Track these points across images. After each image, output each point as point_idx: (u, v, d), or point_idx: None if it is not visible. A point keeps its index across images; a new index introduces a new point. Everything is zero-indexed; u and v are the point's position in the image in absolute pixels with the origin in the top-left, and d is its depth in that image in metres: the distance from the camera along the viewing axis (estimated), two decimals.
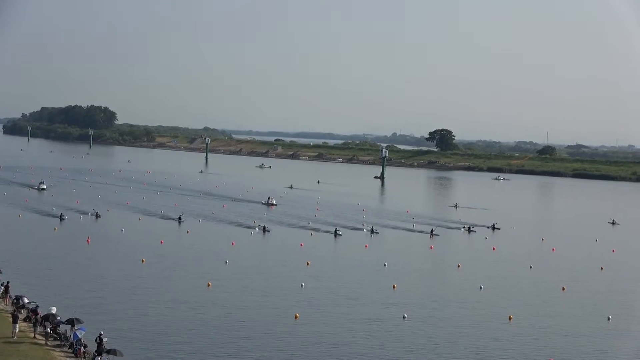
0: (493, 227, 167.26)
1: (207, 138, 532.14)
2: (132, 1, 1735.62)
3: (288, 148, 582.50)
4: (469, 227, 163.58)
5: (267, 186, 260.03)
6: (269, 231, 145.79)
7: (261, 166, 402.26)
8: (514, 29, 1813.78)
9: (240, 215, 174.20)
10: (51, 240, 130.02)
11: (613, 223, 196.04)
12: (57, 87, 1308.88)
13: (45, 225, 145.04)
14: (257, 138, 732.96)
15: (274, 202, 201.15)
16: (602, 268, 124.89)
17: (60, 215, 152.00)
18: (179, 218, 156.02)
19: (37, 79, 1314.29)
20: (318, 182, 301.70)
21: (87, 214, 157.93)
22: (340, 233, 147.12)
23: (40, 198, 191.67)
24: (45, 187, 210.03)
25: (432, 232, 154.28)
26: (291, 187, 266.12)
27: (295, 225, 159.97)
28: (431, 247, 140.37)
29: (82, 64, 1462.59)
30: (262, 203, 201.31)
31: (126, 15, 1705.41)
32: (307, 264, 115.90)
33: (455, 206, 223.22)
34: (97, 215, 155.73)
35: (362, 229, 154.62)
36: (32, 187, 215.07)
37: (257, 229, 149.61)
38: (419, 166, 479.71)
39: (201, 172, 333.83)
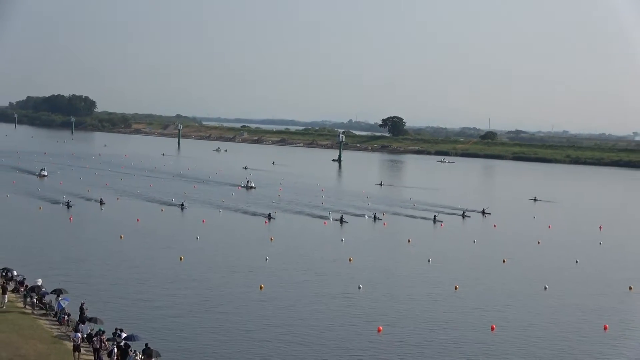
0: (483, 212, 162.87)
1: (179, 125, 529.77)
2: None
3: (253, 133, 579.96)
4: (464, 212, 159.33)
5: (230, 167, 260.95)
6: (274, 218, 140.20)
7: (217, 150, 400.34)
8: (461, 26, 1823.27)
9: (211, 195, 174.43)
10: (36, 218, 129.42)
11: (535, 200, 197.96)
12: (41, 78, 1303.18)
13: (32, 205, 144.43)
14: (225, 124, 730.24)
15: (253, 184, 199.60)
16: (539, 242, 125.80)
17: (68, 202, 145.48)
18: (182, 204, 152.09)
19: (22, 70, 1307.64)
20: (273, 163, 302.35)
21: (90, 200, 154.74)
22: (347, 221, 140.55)
23: (29, 181, 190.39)
24: (46, 173, 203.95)
25: (434, 218, 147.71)
26: (245, 167, 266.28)
27: (260, 204, 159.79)
28: (384, 224, 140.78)
29: (64, 57, 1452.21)
30: (242, 186, 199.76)
31: (104, 11, 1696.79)
32: (271, 239, 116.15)
33: (380, 184, 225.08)
34: (101, 202, 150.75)
35: (364, 216, 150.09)
36: (20, 170, 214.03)
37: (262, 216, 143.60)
38: (373, 150, 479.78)
39: (163, 154, 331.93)
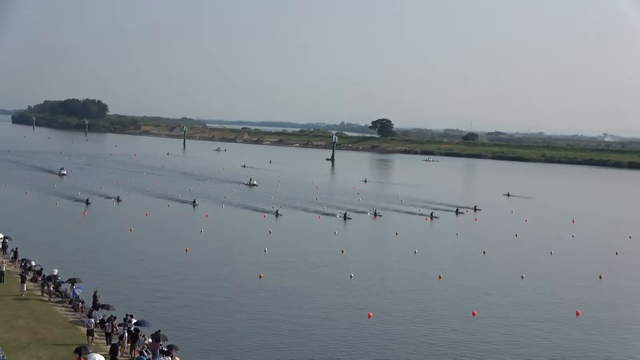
0: (475, 209, 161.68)
1: (184, 127, 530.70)
2: (122, 6, 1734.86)
3: (253, 135, 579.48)
4: (457, 209, 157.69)
5: (231, 166, 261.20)
6: (281, 215, 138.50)
7: (218, 150, 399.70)
8: (445, 37, 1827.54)
9: (214, 192, 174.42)
10: (53, 213, 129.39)
11: (508, 195, 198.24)
12: (57, 83, 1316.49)
13: (48, 201, 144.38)
14: (227, 126, 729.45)
15: (256, 182, 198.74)
16: (516, 235, 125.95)
17: (87, 200, 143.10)
18: (194, 202, 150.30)
19: (40, 76, 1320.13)
20: (270, 162, 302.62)
21: (106, 197, 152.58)
22: (350, 217, 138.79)
23: (46, 179, 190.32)
24: (65, 172, 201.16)
25: (431, 215, 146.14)
26: (244, 166, 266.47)
27: (260, 200, 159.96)
28: (374, 218, 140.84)
29: (79, 64, 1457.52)
30: (245, 184, 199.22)
31: (116, 23, 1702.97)
32: (269, 232, 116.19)
33: (365, 181, 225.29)
34: (118, 200, 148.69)
35: (366, 212, 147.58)
36: (38, 169, 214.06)
37: (271, 213, 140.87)
38: (364, 150, 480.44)
39: (168, 154, 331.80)
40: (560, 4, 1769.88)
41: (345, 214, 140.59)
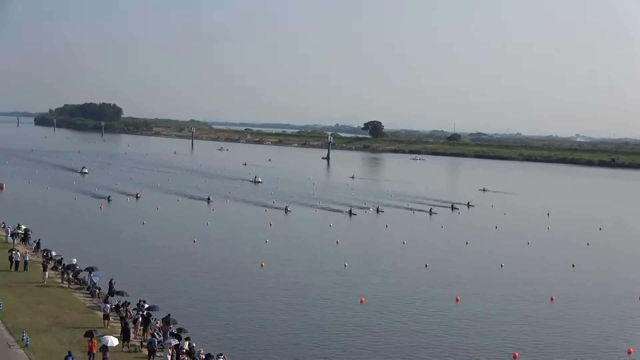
0: (468, 205, 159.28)
1: (192, 128, 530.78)
2: (135, 19, 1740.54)
3: (255, 135, 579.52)
4: (452, 205, 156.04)
5: (234, 164, 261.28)
6: (290, 211, 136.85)
7: (221, 149, 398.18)
8: (432, 46, 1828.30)
9: (219, 188, 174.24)
10: (72, 207, 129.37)
11: (484, 190, 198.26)
12: (76, 88, 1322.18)
13: (68, 196, 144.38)
14: (232, 128, 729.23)
15: (260, 179, 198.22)
16: (496, 227, 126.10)
17: (108, 197, 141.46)
18: (208, 198, 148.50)
19: (60, 81, 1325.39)
20: (269, 160, 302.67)
21: (124, 193, 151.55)
22: (355, 213, 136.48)
23: (66, 176, 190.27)
24: (87, 171, 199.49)
25: (430, 211, 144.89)
26: (245, 164, 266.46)
27: (261, 195, 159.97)
28: (366, 212, 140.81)
29: (96, 71, 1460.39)
30: (250, 181, 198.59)
31: (129, 30, 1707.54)
32: (270, 225, 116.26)
33: (352, 177, 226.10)
34: (137, 197, 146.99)
35: (368, 208, 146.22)
36: (58, 167, 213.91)
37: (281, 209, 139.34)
38: (356, 149, 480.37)
39: (175, 153, 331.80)
40: (534, 11, 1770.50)
41: (350, 210, 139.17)
